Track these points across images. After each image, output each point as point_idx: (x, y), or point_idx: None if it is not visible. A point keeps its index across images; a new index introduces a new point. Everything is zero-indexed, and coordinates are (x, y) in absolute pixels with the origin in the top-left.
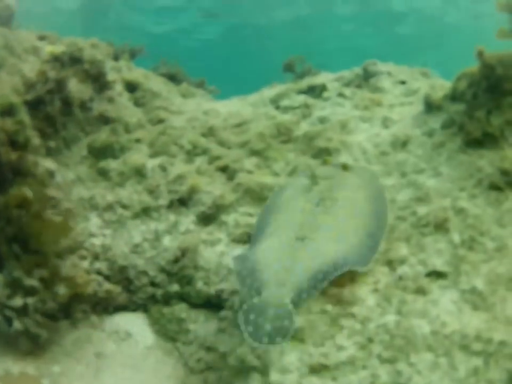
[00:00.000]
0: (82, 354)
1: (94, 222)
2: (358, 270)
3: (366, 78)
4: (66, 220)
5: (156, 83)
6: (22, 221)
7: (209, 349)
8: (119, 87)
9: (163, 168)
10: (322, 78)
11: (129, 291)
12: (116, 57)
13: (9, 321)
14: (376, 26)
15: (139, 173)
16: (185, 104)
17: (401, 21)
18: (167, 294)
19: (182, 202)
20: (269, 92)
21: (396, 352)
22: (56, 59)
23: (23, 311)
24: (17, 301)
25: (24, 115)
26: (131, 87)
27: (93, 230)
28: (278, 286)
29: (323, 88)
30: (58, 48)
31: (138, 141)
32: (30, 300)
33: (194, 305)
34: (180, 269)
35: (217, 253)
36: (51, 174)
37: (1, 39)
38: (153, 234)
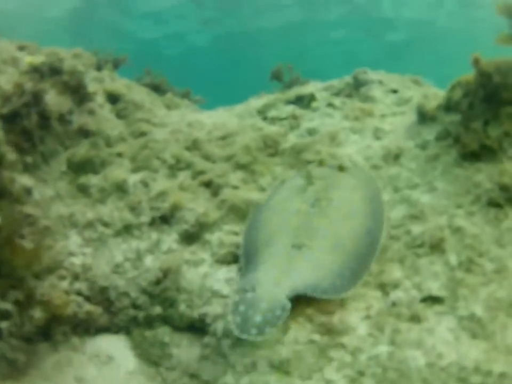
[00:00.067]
0: (63, 378)
1: (74, 240)
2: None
3: (357, 87)
4: (38, 246)
5: (138, 94)
6: None
7: (192, 376)
8: (100, 99)
9: (145, 184)
10: (311, 87)
11: (111, 312)
12: (99, 67)
13: None
14: (367, 32)
15: (120, 188)
16: (169, 115)
17: (391, 26)
18: (149, 316)
19: (164, 219)
20: (256, 102)
21: None
22: (35, 70)
23: None
24: None
25: None
26: (113, 98)
27: (73, 248)
28: (273, 285)
29: (312, 98)
30: (38, 59)
31: (119, 155)
32: (4, 324)
33: (177, 328)
34: (162, 290)
35: (200, 274)
36: (28, 191)
37: None
38: (134, 254)
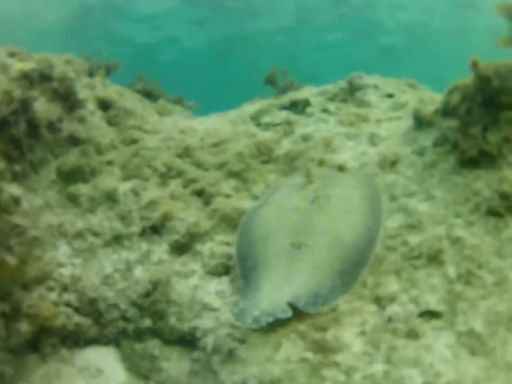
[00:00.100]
0: None
1: (63, 250)
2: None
3: (352, 91)
4: (22, 261)
5: (130, 100)
6: None
7: None
8: (91, 106)
9: (135, 193)
10: (306, 92)
11: (100, 324)
12: (91, 73)
13: None
14: (362, 35)
15: (110, 198)
16: (161, 122)
17: (386, 30)
18: (139, 329)
19: (155, 230)
20: (250, 108)
21: None
22: (25, 77)
23: None
24: None
25: None
26: (104, 105)
27: (62, 259)
28: (274, 290)
29: (306, 103)
30: (28, 65)
31: (110, 163)
32: None
33: (167, 341)
34: (152, 303)
35: (190, 286)
36: (16, 200)
37: None
38: (124, 265)
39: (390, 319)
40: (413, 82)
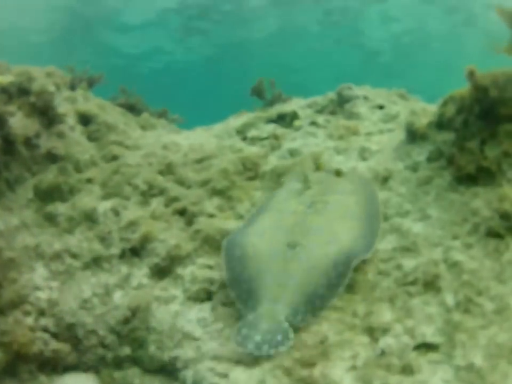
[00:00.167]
0: None
1: (40, 273)
2: (355, 263)
3: (341, 103)
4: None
5: (112, 114)
6: None
7: None
8: (71, 120)
9: (116, 212)
10: (293, 104)
11: (79, 350)
12: (73, 86)
13: None
14: (350, 44)
15: (89, 218)
16: (144, 137)
17: (374, 38)
18: (118, 357)
19: (135, 252)
20: (236, 121)
21: None
22: (3, 90)
23: None
24: None
25: None
26: (85, 119)
27: (39, 282)
28: (272, 303)
29: (294, 116)
30: (7, 78)
31: (89, 181)
32: None
33: (147, 370)
34: (131, 330)
35: (171, 312)
36: None
37: None
38: (103, 289)
39: (383, 353)
40: (403, 93)
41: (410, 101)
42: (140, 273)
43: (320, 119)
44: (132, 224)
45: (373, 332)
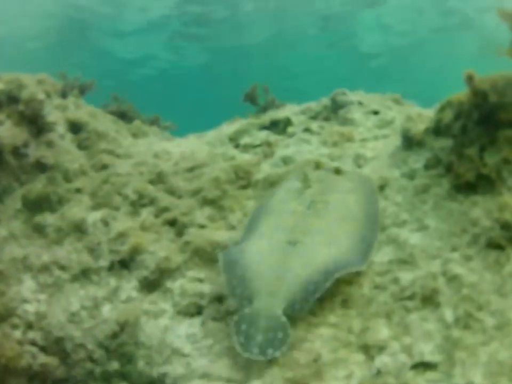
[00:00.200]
0: None
1: (28, 285)
2: (351, 271)
3: (335, 109)
4: None
5: (103, 122)
6: None
7: None
8: (61, 129)
9: (105, 223)
10: (287, 111)
11: (67, 364)
12: (64, 94)
13: None
14: (344, 49)
15: (78, 228)
16: (135, 145)
17: (368, 43)
18: (107, 372)
19: (124, 264)
20: (228, 128)
21: None
22: None
23: None
24: None
25: None
26: (75, 127)
27: (27, 294)
28: (269, 296)
29: (287, 122)
30: None
31: (78, 190)
32: None
33: None
34: (119, 345)
35: (160, 327)
36: None
37: None
38: (92, 302)
39: (379, 372)
40: (397, 97)
41: (405, 105)
42: (129, 286)
43: (314, 125)
44: (121, 236)
45: (368, 350)
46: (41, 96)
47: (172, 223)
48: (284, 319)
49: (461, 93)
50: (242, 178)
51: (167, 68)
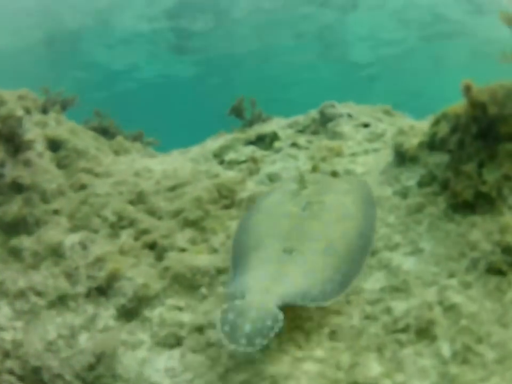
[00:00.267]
0: None
1: (4, 312)
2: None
3: (323, 122)
4: None
5: (84, 139)
6: None
7: None
8: (39, 146)
9: (83, 246)
10: (274, 124)
11: None
12: (46, 110)
13: None
14: (333, 58)
15: (55, 252)
16: (116, 163)
17: (357, 52)
18: None
19: (101, 291)
20: (213, 144)
21: None
22: None
23: None
24: None
25: None
26: (54, 145)
27: (3, 322)
28: (263, 292)
29: (274, 137)
30: None
31: (56, 212)
32: None
33: None
34: (96, 378)
35: (138, 359)
36: None
37: None
38: (69, 330)
39: None
40: (388, 109)
41: (396, 117)
42: (107, 314)
43: (302, 139)
44: (99, 261)
45: None
46: (19, 112)
47: (152, 246)
48: (276, 310)
49: (457, 105)
50: (225, 198)
51: (154, 79)
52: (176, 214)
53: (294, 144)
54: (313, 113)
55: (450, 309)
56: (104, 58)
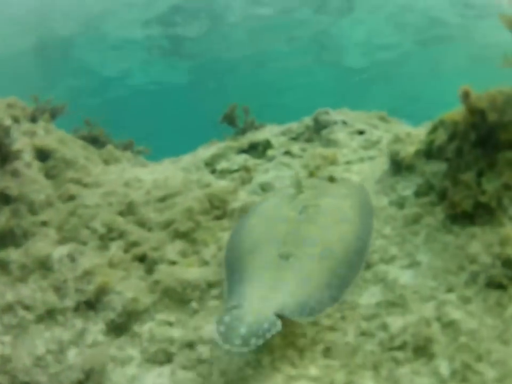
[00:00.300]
0: None
1: None
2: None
3: (318, 129)
4: None
5: (73, 148)
6: None
7: None
8: (27, 156)
9: (72, 259)
10: (267, 132)
11: None
12: (35, 118)
13: None
14: (327, 62)
15: (44, 265)
16: (106, 172)
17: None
18: None
19: (90, 305)
20: (205, 152)
21: None
22: None
23: None
24: None
25: None
26: (43, 155)
27: None
28: (260, 300)
29: (267, 145)
30: None
31: (44, 223)
32: None
33: None
34: None
35: (127, 376)
36: None
37: None
38: (57, 345)
39: None
40: (383, 115)
41: (392, 123)
42: (96, 328)
43: (295, 147)
44: (87, 274)
45: None
46: (7, 122)
47: (142, 258)
48: (273, 316)
49: (455, 111)
50: (217, 208)
51: (147, 86)
52: (167, 225)
53: (287, 152)
54: (307, 120)
55: (448, 325)
56: (97, 65)
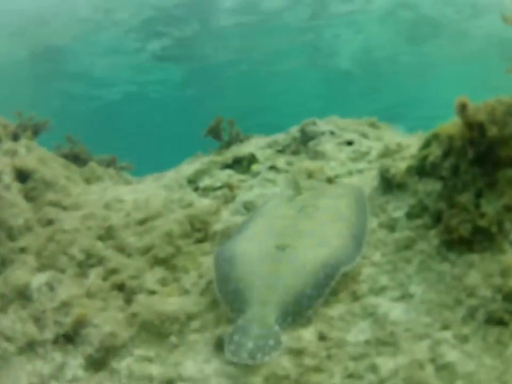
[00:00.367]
0: None
1: None
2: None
3: (305, 141)
4: None
5: (53, 168)
6: None
7: None
8: (7, 178)
9: (50, 288)
10: (252, 145)
11: None
12: (16, 136)
13: None
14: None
15: (22, 294)
16: (87, 192)
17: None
18: None
19: (68, 338)
20: (188, 168)
21: None
22: None
23: None
24: None
25: None
26: (23, 175)
27: None
28: (261, 305)
29: (252, 159)
30: None
31: (23, 250)
32: None
33: None
34: None
35: None
36: None
37: None
38: (39, 379)
39: None
40: (373, 121)
41: (382, 129)
42: (75, 363)
43: (281, 161)
44: (65, 305)
45: None
46: None
47: (120, 287)
48: (276, 328)
49: (450, 124)
50: (198, 231)
51: (138, 93)
52: (146, 251)
53: (272, 167)
54: (294, 131)
55: (444, 368)
56: (88, 71)
